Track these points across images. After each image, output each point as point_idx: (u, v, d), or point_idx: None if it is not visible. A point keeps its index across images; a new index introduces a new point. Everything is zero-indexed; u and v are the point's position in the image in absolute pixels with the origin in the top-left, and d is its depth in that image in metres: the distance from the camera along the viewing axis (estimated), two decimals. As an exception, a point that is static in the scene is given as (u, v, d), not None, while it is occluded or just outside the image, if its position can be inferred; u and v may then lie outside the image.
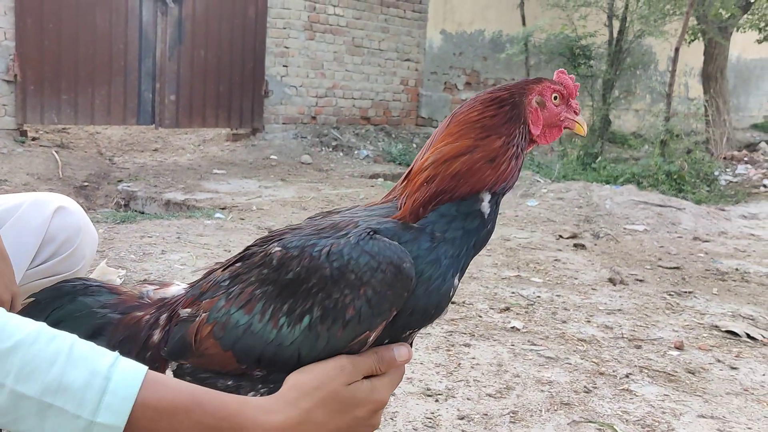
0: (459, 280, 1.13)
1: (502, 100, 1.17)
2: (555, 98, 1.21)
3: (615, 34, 7.98)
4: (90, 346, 0.93)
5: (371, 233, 1.06)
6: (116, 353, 0.93)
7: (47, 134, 7.36)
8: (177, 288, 1.26)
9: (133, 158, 7.58)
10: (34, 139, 6.81)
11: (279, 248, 1.09)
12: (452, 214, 1.11)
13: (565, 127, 1.25)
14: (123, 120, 7.35)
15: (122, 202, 6.01)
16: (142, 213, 5.48)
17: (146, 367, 0.92)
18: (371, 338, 1.05)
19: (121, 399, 0.88)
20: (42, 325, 0.92)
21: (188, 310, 1.17)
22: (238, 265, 1.16)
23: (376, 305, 1.02)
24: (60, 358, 0.89)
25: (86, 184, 6.20)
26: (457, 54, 10.39)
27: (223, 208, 5.22)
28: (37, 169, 6.03)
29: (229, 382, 1.11)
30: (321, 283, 1.04)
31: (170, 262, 3.50)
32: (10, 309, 1.23)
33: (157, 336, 1.18)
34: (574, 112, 1.24)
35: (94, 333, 1.20)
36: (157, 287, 1.29)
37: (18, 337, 0.89)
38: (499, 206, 1.15)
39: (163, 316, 1.20)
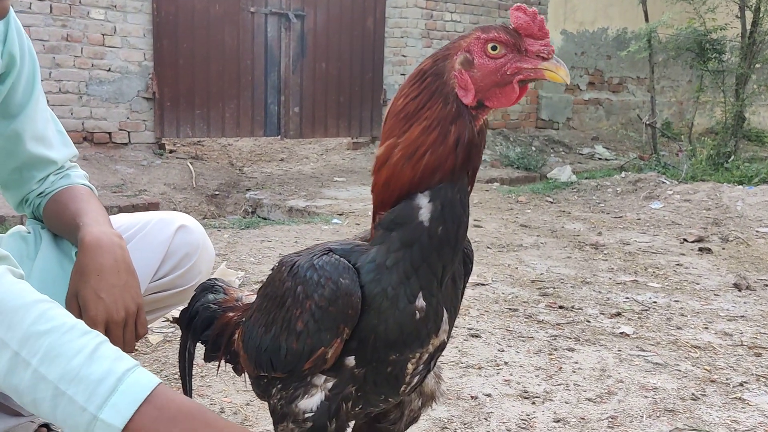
0: (434, 295, 1.02)
1: (424, 72, 1.00)
2: (493, 48, 0.97)
3: (748, 27, 7.51)
4: (116, 350, 1.00)
5: (327, 251, 1.04)
6: (137, 363, 1.00)
7: (183, 147, 7.88)
8: None
9: (260, 168, 7.96)
10: (171, 151, 7.31)
11: (276, 264, 1.16)
12: (390, 227, 1.00)
13: (524, 80, 0.98)
14: (251, 132, 7.74)
15: (249, 210, 6.34)
16: (266, 219, 5.75)
17: (160, 381, 0.98)
18: (329, 355, 1.02)
19: (128, 402, 0.94)
20: (80, 322, 1.01)
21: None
22: None
23: (320, 320, 1.00)
24: (85, 352, 0.96)
25: (217, 192, 6.59)
26: (579, 53, 10.14)
27: (340, 214, 5.39)
28: (173, 179, 6.48)
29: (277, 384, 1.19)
30: (285, 296, 1.06)
31: (286, 265, 3.67)
32: (136, 319, 1.35)
33: (236, 335, 1.29)
34: (540, 56, 0.97)
35: (208, 323, 1.36)
36: (249, 293, 1.43)
37: (55, 323, 0.98)
38: (463, 197, 0.99)
39: (243, 319, 1.31)
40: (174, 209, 5.75)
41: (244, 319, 1.28)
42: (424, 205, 0.97)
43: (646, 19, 8.05)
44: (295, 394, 1.08)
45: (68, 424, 0.95)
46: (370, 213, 4.11)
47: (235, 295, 1.42)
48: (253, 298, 1.37)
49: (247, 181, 7.15)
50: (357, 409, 1.10)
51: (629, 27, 10.33)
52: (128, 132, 6.73)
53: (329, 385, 1.06)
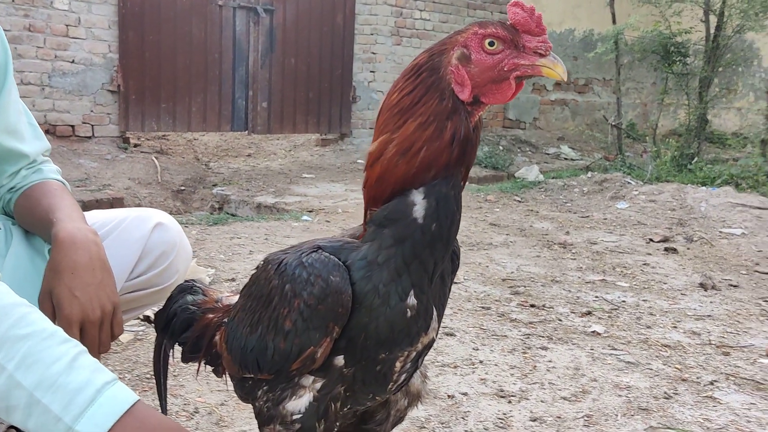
0: (425, 293, 1.00)
1: (419, 67, 0.98)
2: (491, 44, 0.96)
3: (712, 30, 7.66)
4: (95, 361, 0.96)
5: (316, 249, 1.02)
6: (116, 377, 0.96)
7: (148, 141, 7.75)
8: None
9: (227, 163, 7.86)
10: (135, 145, 7.18)
11: (261, 262, 1.13)
12: (383, 223, 0.98)
13: (521, 77, 0.97)
14: (218, 127, 7.64)
15: (216, 206, 6.25)
16: (234, 216, 5.69)
17: (138, 398, 0.95)
18: (318, 354, 1.00)
19: (105, 414, 0.90)
20: (59, 329, 0.97)
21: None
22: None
23: (309, 318, 0.98)
24: (64, 360, 0.92)
25: (183, 188, 6.49)
26: (547, 55, 10.21)
27: (310, 211, 5.35)
28: (138, 174, 6.36)
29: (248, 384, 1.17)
30: (271, 295, 1.04)
31: (257, 262, 3.61)
32: (112, 319, 1.30)
33: (217, 337, 1.26)
34: (537, 53, 0.96)
35: (186, 325, 1.32)
36: (230, 294, 1.40)
37: (34, 328, 0.94)
38: (457, 194, 0.98)
39: (224, 321, 1.28)
40: (139, 204, 5.64)
41: (226, 320, 1.25)
42: (419, 202, 0.96)
43: (614, 21, 8.16)
44: (282, 395, 1.05)
45: None
46: (341, 210, 4.07)
47: (215, 296, 1.39)
48: (234, 299, 1.34)
49: (213, 177, 7.06)
50: (345, 408, 1.08)
51: (596, 29, 10.45)
52: (92, 125, 6.59)
53: (318, 385, 1.04)
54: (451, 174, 0.96)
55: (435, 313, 1.05)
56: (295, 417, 1.04)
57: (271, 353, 1.03)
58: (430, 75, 0.96)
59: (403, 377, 1.09)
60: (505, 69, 0.96)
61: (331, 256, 0.99)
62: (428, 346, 1.08)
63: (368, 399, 1.10)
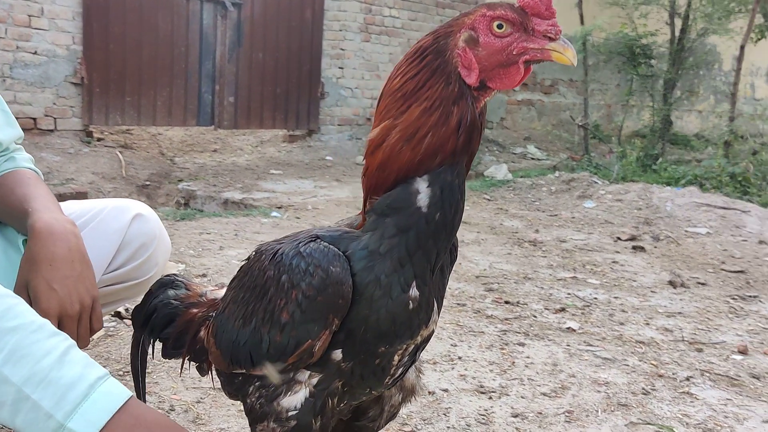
0: (426, 284, 0.98)
1: (424, 49, 0.94)
2: (499, 27, 0.93)
3: (677, 33, 7.78)
4: (86, 356, 0.92)
5: (314, 238, 0.98)
6: (107, 371, 0.92)
7: (111, 135, 7.58)
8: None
9: (193, 158, 7.74)
10: (99, 139, 7.02)
11: (253, 252, 1.09)
12: (385, 212, 0.95)
13: (529, 61, 0.94)
14: (183, 121, 7.51)
15: (182, 201, 6.14)
16: (201, 211, 5.60)
17: (131, 393, 0.91)
18: (317, 348, 0.96)
19: (99, 410, 0.86)
20: (47, 322, 0.93)
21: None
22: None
23: (307, 311, 0.94)
24: (54, 354, 0.88)
25: (148, 183, 6.36)
26: (514, 55, 10.27)
27: (279, 207, 5.29)
28: (102, 168, 6.22)
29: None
30: (266, 286, 1.00)
31: (228, 257, 3.56)
32: (91, 313, 1.25)
33: (203, 332, 1.22)
34: (547, 37, 0.93)
35: (169, 321, 1.27)
36: (215, 288, 1.35)
37: (22, 320, 0.89)
38: (461, 182, 0.95)
39: (209, 315, 1.24)
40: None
41: (213, 314, 1.21)
42: (423, 190, 0.93)
43: (582, 22, 8.24)
44: (276, 391, 1.01)
45: None
46: (311, 206, 4.01)
47: (199, 290, 1.34)
48: (220, 293, 1.30)
49: (179, 172, 6.94)
50: (342, 404, 1.05)
51: (564, 29, 10.52)
52: (54, 118, 6.42)
53: (314, 380, 1.00)
54: (456, 161, 0.93)
55: (435, 305, 1.03)
56: (290, 413, 1.00)
57: (267, 347, 0.99)
58: (436, 58, 0.93)
59: (400, 371, 1.06)
60: (514, 53, 0.93)
61: (331, 246, 0.96)
62: (427, 339, 1.06)
63: (365, 394, 1.07)
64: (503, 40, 0.93)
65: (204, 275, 3.20)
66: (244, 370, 1.06)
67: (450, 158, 0.92)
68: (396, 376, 1.06)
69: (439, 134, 0.91)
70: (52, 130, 6.40)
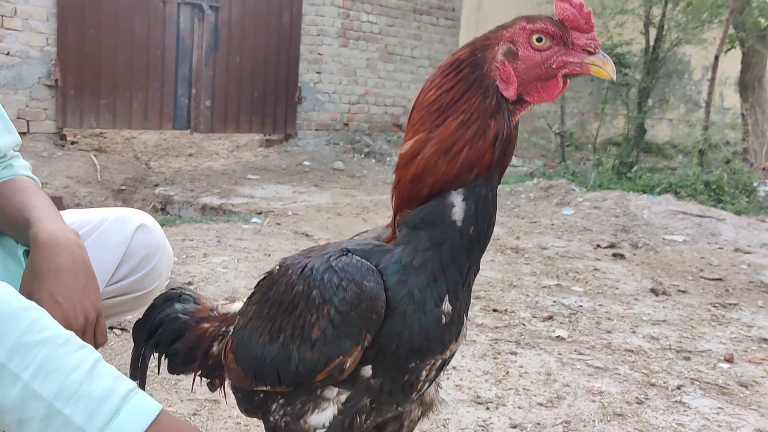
0: (458, 299, 0.97)
1: (460, 62, 0.93)
2: (539, 40, 0.92)
3: (651, 42, 7.90)
4: (113, 368, 0.90)
5: (345, 252, 0.96)
6: (135, 383, 0.90)
7: (85, 138, 7.46)
8: (239, 305, 1.27)
9: (168, 163, 7.65)
10: (73, 143, 6.90)
11: (276, 266, 1.07)
12: (418, 225, 0.94)
13: (568, 75, 0.93)
14: (159, 125, 7.43)
15: (159, 206, 6.06)
16: (179, 217, 5.52)
17: (161, 406, 0.89)
18: (348, 364, 0.94)
19: (132, 424, 0.84)
20: (73, 334, 0.90)
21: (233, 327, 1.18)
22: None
23: (340, 326, 0.93)
24: (83, 367, 0.86)
25: (124, 187, 6.27)
26: (490, 62, 10.34)
27: (259, 213, 5.24)
28: (76, 172, 6.11)
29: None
30: (295, 301, 0.98)
31: (213, 265, 3.52)
32: (95, 326, 1.22)
33: (216, 348, 1.19)
34: (586, 51, 0.91)
35: (176, 336, 1.23)
36: (225, 302, 1.32)
37: (50, 333, 0.87)
38: (494, 196, 0.95)
39: (222, 330, 1.21)
40: (78, 204, 5.42)
41: (226, 329, 1.18)
42: (458, 204, 0.93)
43: (557, 31, 8.31)
44: (303, 409, 0.99)
45: None
46: (291, 212, 3.96)
47: (209, 304, 1.31)
48: (231, 307, 1.27)
49: (154, 176, 6.85)
50: (369, 421, 1.03)
51: (538, 38, 10.63)
52: (27, 121, 6.30)
53: (343, 398, 0.99)
54: (491, 175, 0.93)
55: (465, 318, 1.02)
56: (318, 431, 0.98)
57: (296, 363, 0.97)
58: (473, 71, 0.92)
59: (426, 386, 1.05)
60: (554, 66, 0.93)
61: (363, 260, 0.94)
62: (454, 353, 1.05)
63: (392, 410, 1.05)
64: (543, 54, 0.92)
65: (190, 283, 3.15)
66: (268, 388, 1.04)
67: (485, 172, 0.92)
68: (422, 390, 1.05)
69: (476, 148, 0.91)
70: (24, 133, 6.27)
